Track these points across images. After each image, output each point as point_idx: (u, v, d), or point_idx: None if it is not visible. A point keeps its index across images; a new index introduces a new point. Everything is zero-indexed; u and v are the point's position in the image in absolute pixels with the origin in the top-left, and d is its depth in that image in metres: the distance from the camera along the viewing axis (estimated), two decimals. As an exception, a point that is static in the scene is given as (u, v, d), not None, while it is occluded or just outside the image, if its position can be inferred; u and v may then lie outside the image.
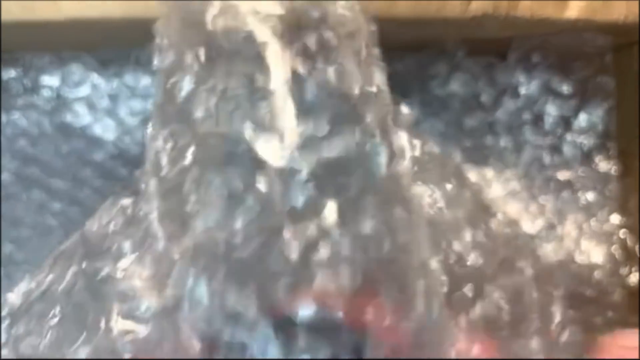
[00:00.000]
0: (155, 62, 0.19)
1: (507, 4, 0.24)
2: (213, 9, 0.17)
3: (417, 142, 0.21)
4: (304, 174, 0.16)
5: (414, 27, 0.26)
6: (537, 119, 0.30)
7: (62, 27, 0.26)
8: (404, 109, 0.21)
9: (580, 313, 0.21)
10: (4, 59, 0.33)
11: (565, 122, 0.30)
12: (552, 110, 0.30)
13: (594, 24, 0.25)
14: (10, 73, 0.33)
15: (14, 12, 0.24)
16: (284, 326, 0.16)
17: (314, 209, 0.16)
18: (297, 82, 0.16)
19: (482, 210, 0.22)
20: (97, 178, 0.36)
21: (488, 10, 0.24)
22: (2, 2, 0.24)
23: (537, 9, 0.24)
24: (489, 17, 0.24)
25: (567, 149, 0.30)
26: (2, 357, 0.20)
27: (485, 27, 0.26)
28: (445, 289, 0.19)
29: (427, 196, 0.21)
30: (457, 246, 0.20)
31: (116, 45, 0.32)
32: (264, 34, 0.17)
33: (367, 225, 0.16)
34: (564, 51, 0.28)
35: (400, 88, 0.31)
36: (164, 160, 0.18)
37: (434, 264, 0.18)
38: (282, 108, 0.16)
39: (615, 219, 0.29)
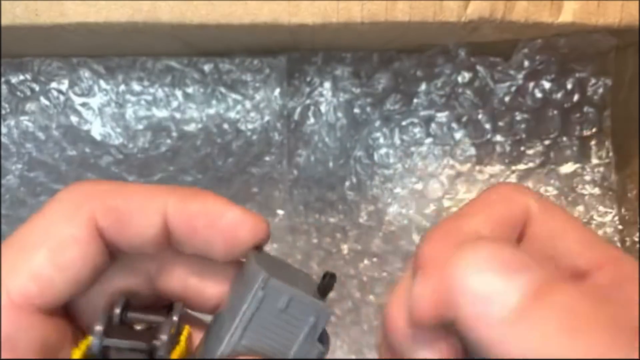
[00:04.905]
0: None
1: (503, 8, 0.25)
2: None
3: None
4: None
5: (413, 31, 0.26)
6: (538, 117, 0.30)
7: (67, 32, 0.26)
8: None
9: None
10: (14, 64, 0.33)
11: (564, 120, 0.30)
12: (552, 109, 0.30)
13: (589, 27, 0.25)
14: (18, 78, 0.34)
15: (19, 16, 0.24)
16: None
17: None
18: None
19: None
20: (102, 183, 0.36)
21: (484, 14, 0.25)
22: (7, 7, 0.24)
23: (532, 13, 0.25)
24: (485, 21, 0.25)
25: (565, 146, 0.30)
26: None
27: (481, 31, 0.26)
28: None
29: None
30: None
31: (122, 51, 0.32)
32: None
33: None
34: (568, 51, 0.28)
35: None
36: None
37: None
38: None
39: (614, 213, 0.30)
